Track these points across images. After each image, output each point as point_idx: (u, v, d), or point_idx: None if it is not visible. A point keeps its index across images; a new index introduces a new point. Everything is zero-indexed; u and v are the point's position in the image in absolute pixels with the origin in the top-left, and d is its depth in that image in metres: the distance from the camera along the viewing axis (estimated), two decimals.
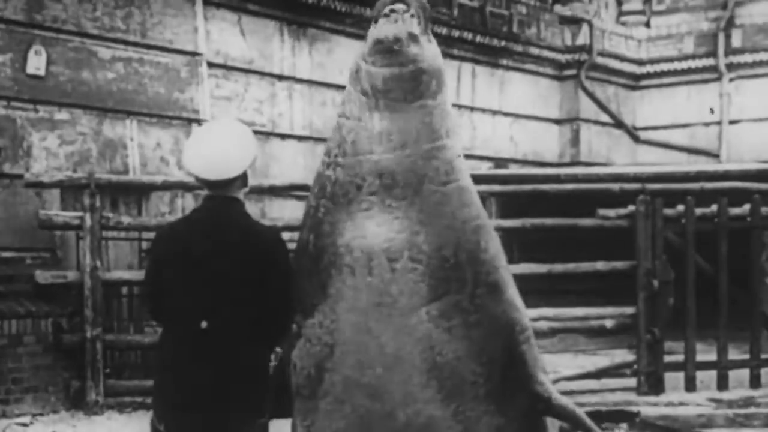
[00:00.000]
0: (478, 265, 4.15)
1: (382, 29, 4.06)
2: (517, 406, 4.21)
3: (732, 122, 15.71)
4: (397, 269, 4.02)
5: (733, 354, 9.60)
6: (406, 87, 4.09)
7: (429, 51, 4.20)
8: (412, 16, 4.10)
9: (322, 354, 3.98)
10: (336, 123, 4.27)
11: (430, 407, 4.02)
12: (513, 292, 4.34)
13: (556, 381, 9.16)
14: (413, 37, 4.09)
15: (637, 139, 16.47)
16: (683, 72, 16.13)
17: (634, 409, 8.15)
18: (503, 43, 14.66)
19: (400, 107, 4.11)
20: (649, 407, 8.34)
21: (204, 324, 3.57)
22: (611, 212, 9.52)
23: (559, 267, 9.59)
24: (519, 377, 4.20)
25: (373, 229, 4.04)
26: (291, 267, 3.85)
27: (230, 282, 3.60)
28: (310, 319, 4.00)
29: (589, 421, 4.23)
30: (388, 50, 4.05)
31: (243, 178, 3.75)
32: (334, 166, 4.16)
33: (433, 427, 4.03)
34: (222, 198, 3.71)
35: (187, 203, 10.38)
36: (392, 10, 4.09)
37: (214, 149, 3.66)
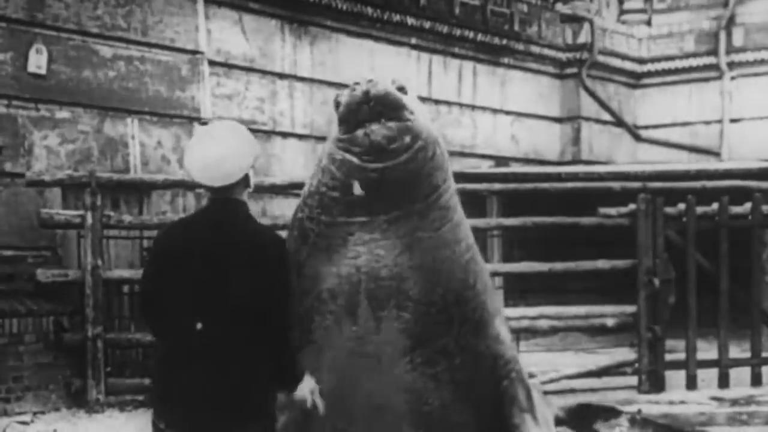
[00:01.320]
0: (465, 304, 4.08)
1: (372, 134, 3.97)
2: None
3: (733, 121, 15.69)
4: (382, 317, 3.95)
5: (734, 352, 9.59)
6: (403, 170, 4.04)
7: (419, 124, 4.12)
8: (388, 113, 4.00)
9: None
10: (315, 186, 4.16)
11: None
12: (499, 323, 4.26)
13: (557, 379, 9.19)
14: (404, 129, 4.02)
15: (638, 138, 16.46)
16: (684, 70, 16.12)
17: (634, 407, 8.13)
18: (504, 42, 14.65)
19: (396, 184, 4.05)
20: (650, 405, 8.32)
21: (199, 325, 3.56)
22: (612, 211, 9.52)
23: (559, 265, 9.59)
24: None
25: (359, 277, 3.97)
26: (290, 269, 3.80)
27: (230, 284, 3.58)
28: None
29: None
30: (383, 151, 3.98)
31: (245, 180, 3.74)
32: (316, 222, 4.10)
33: None
34: (225, 200, 3.70)
35: (189, 202, 10.38)
36: (369, 115, 3.97)
37: (215, 155, 3.64)
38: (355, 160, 4.01)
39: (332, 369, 3.95)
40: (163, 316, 3.69)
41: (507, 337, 4.28)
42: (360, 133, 3.99)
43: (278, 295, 3.65)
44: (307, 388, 3.71)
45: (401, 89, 4.11)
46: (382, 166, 3.99)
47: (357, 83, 4.06)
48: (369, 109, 3.98)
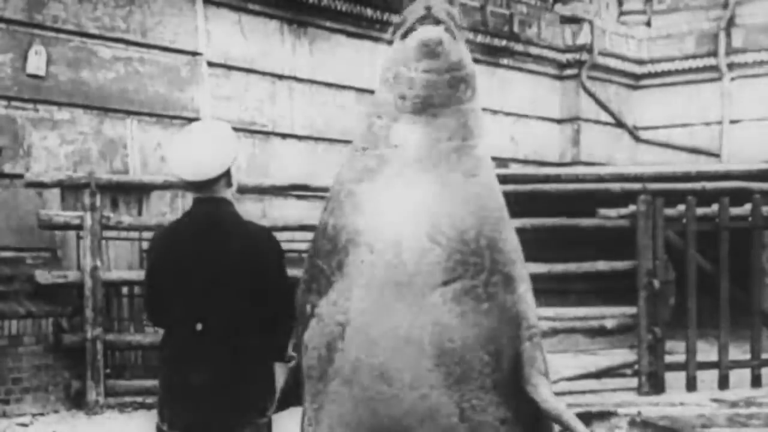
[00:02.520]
0: (497, 253, 4.17)
1: (424, 32, 4.09)
2: (525, 401, 4.21)
3: (733, 122, 15.69)
4: (415, 248, 4.04)
5: (734, 354, 9.59)
6: (446, 93, 4.16)
7: (467, 56, 4.29)
8: (444, 23, 4.16)
9: (334, 333, 3.99)
10: (366, 123, 4.30)
11: (436, 393, 4.03)
12: (526, 288, 4.35)
13: (556, 381, 9.18)
14: (454, 44, 4.16)
15: (637, 139, 16.46)
16: (684, 71, 16.12)
17: (633, 409, 8.14)
18: (504, 43, 14.65)
19: (439, 111, 4.17)
20: (650, 407, 8.33)
21: (199, 326, 3.58)
22: (612, 212, 9.52)
23: (559, 267, 9.59)
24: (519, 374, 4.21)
25: (396, 209, 4.07)
26: (284, 265, 3.85)
27: (225, 282, 3.60)
28: (325, 298, 4.01)
29: (579, 428, 4.22)
30: (433, 53, 4.10)
31: (227, 178, 3.74)
32: (361, 158, 4.21)
33: (437, 412, 4.04)
34: (209, 199, 3.71)
35: (188, 203, 10.30)
36: (425, 17, 4.15)
37: (194, 150, 3.67)
38: (404, 69, 4.12)
39: (362, 299, 4.02)
40: (165, 319, 3.72)
41: (532, 303, 4.36)
42: (413, 33, 4.11)
43: (275, 286, 3.69)
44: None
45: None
46: (429, 78, 4.09)
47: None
48: (427, 11, 4.12)
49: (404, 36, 4.21)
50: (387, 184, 4.14)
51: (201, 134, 3.74)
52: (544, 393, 4.24)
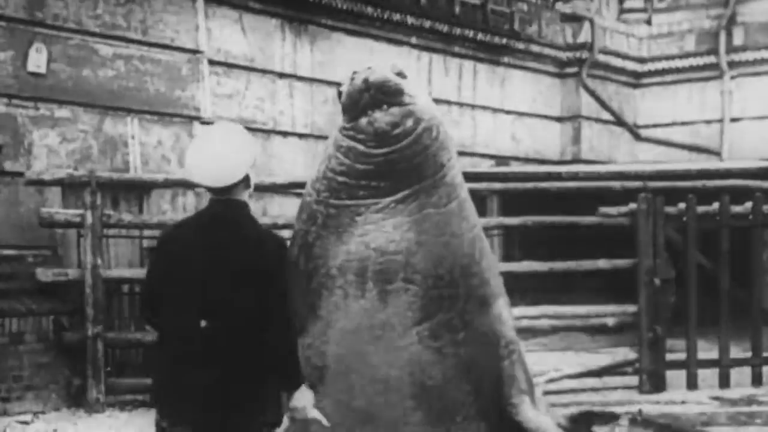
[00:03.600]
0: (471, 278, 4.16)
1: (375, 121, 4.05)
2: (509, 422, 4.19)
3: (733, 120, 15.69)
4: (390, 291, 4.01)
5: (735, 352, 9.58)
6: (410, 153, 4.12)
7: (420, 107, 4.20)
8: (387, 100, 4.07)
9: (312, 377, 3.97)
10: (322, 172, 4.23)
11: (420, 430, 4.01)
12: (502, 304, 4.33)
13: (557, 379, 9.18)
14: (406, 114, 4.10)
15: (638, 137, 16.46)
16: (684, 70, 16.12)
17: (634, 407, 8.13)
18: (504, 41, 14.64)
19: (402, 168, 4.13)
20: (650, 405, 8.33)
21: (203, 323, 3.57)
22: (612, 210, 9.51)
23: (560, 265, 9.59)
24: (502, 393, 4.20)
25: (368, 253, 4.04)
26: (286, 282, 3.81)
27: (232, 285, 3.60)
28: (300, 339, 3.96)
29: None
30: (387, 137, 4.06)
31: (246, 181, 3.75)
32: (325, 205, 4.15)
33: None
34: (227, 201, 3.72)
35: (189, 201, 10.38)
36: (371, 104, 4.05)
37: (214, 156, 3.67)
38: (360, 147, 4.09)
39: (338, 343, 4.01)
40: (166, 317, 3.71)
41: (509, 319, 4.34)
42: (363, 121, 4.07)
43: (276, 298, 3.66)
44: (305, 400, 3.74)
45: (400, 74, 4.20)
46: (388, 151, 4.07)
47: (356, 72, 4.15)
48: (370, 96, 4.06)
49: (353, 119, 4.10)
50: (356, 229, 4.10)
51: (218, 140, 3.72)
52: (525, 412, 4.22)
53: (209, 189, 3.72)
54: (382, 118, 4.04)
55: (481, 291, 4.20)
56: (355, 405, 4.00)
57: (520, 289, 12.92)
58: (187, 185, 9.53)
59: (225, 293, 3.59)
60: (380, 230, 4.07)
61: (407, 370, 4.00)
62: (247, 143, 3.74)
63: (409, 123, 4.09)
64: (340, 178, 4.14)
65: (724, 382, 9.35)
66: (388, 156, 4.07)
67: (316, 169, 4.34)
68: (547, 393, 7.55)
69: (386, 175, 4.09)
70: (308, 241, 4.14)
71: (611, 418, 7.53)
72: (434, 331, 4.03)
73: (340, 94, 4.19)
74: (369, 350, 4.00)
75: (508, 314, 4.36)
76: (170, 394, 3.68)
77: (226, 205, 3.72)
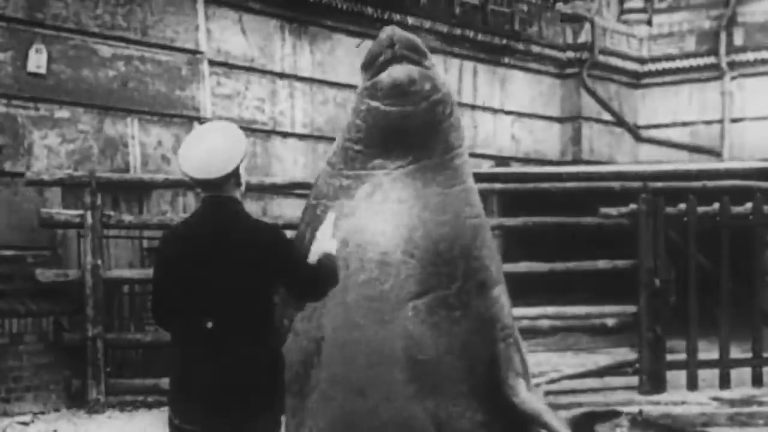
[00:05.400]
0: (471, 260, 4.21)
1: (395, 73, 4.14)
2: (503, 403, 4.20)
3: (734, 120, 15.68)
4: (389, 263, 4.05)
5: (735, 352, 9.58)
6: (423, 119, 4.22)
7: (439, 79, 4.33)
8: (410, 59, 4.21)
9: (309, 350, 4.00)
10: (340, 144, 4.30)
11: (411, 404, 4.04)
12: (500, 291, 4.36)
13: (557, 379, 9.18)
14: (425, 76, 4.16)
15: (638, 138, 16.45)
16: (685, 70, 16.12)
17: (635, 408, 8.13)
18: (505, 42, 14.64)
19: (415, 133, 4.21)
20: (650, 406, 8.32)
21: (210, 324, 3.60)
22: (613, 211, 9.51)
23: (560, 265, 9.58)
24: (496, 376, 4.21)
25: (372, 225, 4.10)
26: (297, 249, 3.90)
27: (235, 281, 3.63)
28: (300, 313, 4.01)
29: (558, 428, 4.21)
30: (404, 93, 4.13)
31: (236, 177, 3.77)
32: (338, 177, 4.21)
33: (414, 423, 4.04)
34: (218, 198, 3.75)
35: (189, 201, 10.37)
36: (392, 59, 4.14)
37: (203, 149, 3.72)
38: (377, 104, 4.20)
39: (336, 315, 4.03)
40: (174, 318, 3.75)
41: (506, 305, 4.38)
42: (383, 75, 4.22)
43: (292, 268, 3.72)
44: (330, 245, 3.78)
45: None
46: (403, 110, 4.17)
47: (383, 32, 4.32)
48: (392, 51, 4.21)
49: (374, 76, 4.23)
50: (362, 202, 4.15)
51: (210, 134, 3.79)
52: (521, 394, 4.24)
53: (199, 183, 3.75)
54: (401, 69, 4.16)
55: (481, 275, 4.24)
56: (349, 377, 4.03)
57: (521, 290, 12.94)
58: (187, 185, 9.53)
59: (228, 291, 3.62)
60: (385, 203, 4.11)
61: (401, 344, 4.03)
62: (237, 140, 3.78)
63: (427, 86, 4.19)
64: (357, 146, 4.23)
65: (725, 382, 9.35)
66: (403, 112, 4.14)
67: (333, 146, 4.46)
68: (547, 393, 7.55)
69: (399, 138, 4.16)
70: (316, 214, 4.20)
71: (614, 415, 7.54)
72: (430, 306, 4.07)
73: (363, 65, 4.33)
74: (365, 322, 4.04)
75: (505, 300, 4.39)
76: (180, 393, 3.72)
77: (217, 202, 3.75)
